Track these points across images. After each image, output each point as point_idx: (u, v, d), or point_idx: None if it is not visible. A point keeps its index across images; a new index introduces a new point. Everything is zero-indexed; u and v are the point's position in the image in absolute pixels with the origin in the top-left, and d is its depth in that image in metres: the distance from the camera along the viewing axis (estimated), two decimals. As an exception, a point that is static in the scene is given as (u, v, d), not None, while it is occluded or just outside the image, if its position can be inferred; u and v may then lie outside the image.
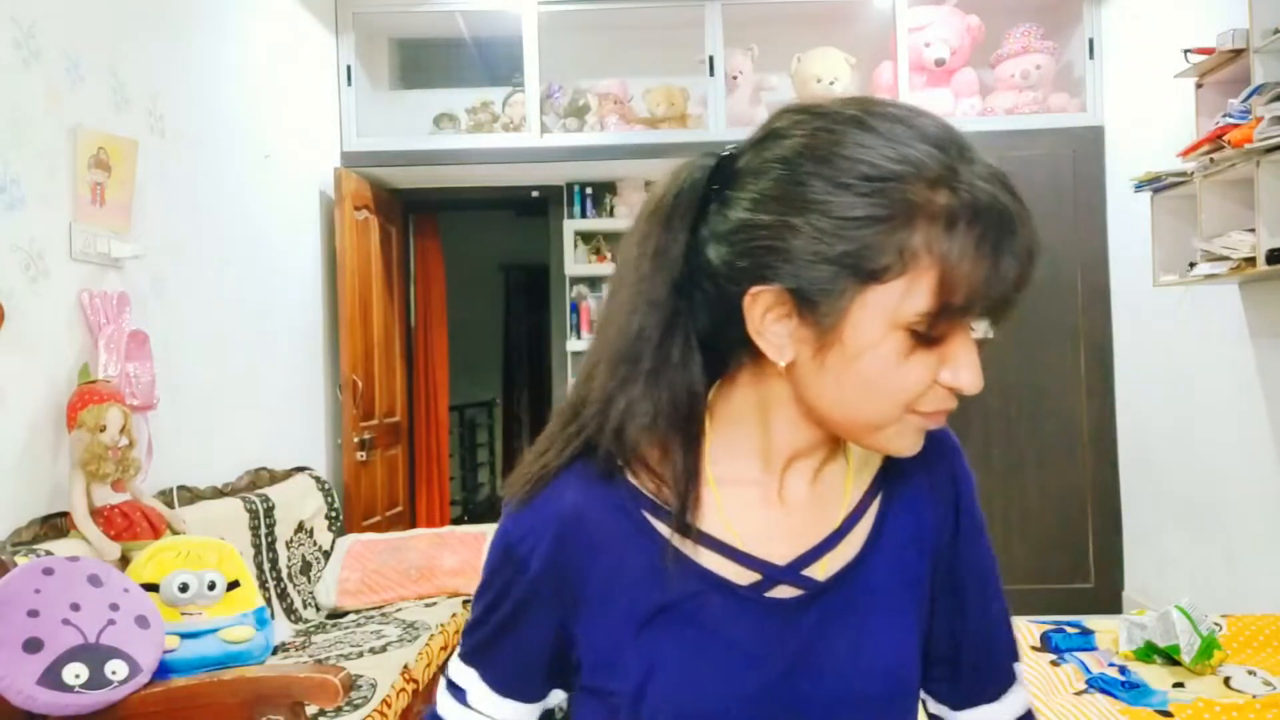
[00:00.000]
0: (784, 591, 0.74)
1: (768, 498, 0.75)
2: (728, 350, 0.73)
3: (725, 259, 0.68)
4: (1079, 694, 2.19)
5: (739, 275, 0.67)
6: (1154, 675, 2.27)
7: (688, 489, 0.73)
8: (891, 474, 0.79)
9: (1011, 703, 0.81)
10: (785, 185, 0.65)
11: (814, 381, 0.69)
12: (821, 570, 0.75)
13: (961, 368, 0.67)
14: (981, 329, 0.71)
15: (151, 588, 2.11)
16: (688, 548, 0.73)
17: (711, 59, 4.36)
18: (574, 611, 0.74)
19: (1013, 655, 0.83)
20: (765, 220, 0.66)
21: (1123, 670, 2.29)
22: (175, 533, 2.40)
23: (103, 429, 2.24)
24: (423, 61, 5.05)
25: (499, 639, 0.77)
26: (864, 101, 0.68)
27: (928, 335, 0.65)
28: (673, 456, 0.73)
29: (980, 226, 0.63)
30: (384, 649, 2.70)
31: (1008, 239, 0.64)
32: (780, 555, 0.74)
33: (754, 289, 0.67)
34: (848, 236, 0.63)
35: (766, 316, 0.67)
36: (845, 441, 0.77)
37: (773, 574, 0.74)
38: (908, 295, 0.64)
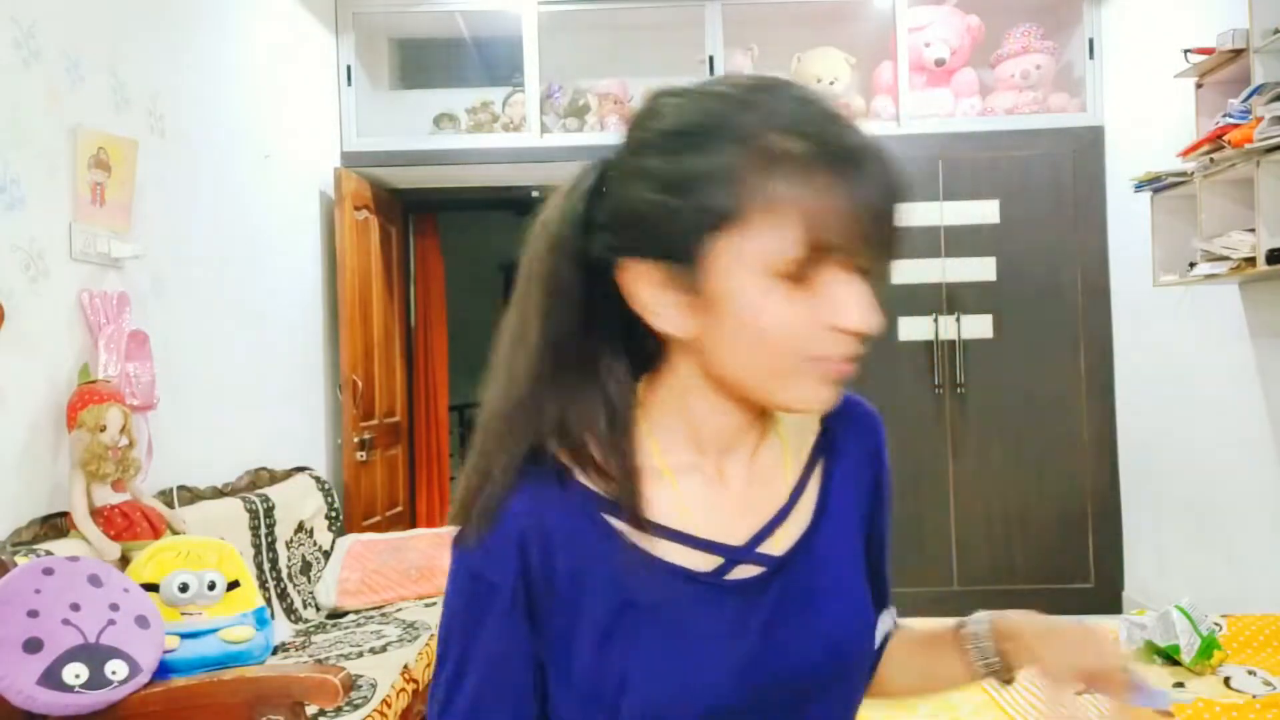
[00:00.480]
0: (744, 571, 0.75)
1: (712, 483, 0.76)
2: (648, 344, 0.75)
3: (607, 246, 0.71)
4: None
5: (618, 258, 0.71)
6: (1154, 675, 2.27)
7: (632, 485, 0.73)
8: (826, 449, 0.83)
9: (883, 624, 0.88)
10: (636, 158, 0.69)
11: (714, 349, 0.70)
12: (777, 545, 0.76)
13: (844, 308, 0.66)
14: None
15: (151, 588, 2.11)
16: (646, 542, 0.73)
17: (711, 59, 4.36)
18: (546, 631, 0.73)
19: (887, 599, 0.89)
20: (625, 196, 0.69)
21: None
22: (175, 533, 2.40)
23: (103, 429, 2.24)
24: (423, 61, 5.05)
25: (491, 683, 0.73)
26: (715, 77, 0.73)
27: (800, 276, 0.66)
28: (614, 455, 0.73)
29: (828, 165, 0.64)
30: (384, 649, 2.70)
31: (857, 174, 0.64)
32: (736, 536, 0.76)
33: (624, 262, 0.70)
34: (693, 190, 0.66)
35: (647, 292, 0.70)
36: (776, 421, 0.80)
37: (732, 555, 0.75)
38: (769, 241, 0.65)
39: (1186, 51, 3.18)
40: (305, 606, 3.12)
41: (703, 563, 0.74)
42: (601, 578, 0.72)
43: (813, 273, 0.66)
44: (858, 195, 0.64)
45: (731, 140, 0.65)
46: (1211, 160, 2.96)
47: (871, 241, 0.66)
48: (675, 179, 0.67)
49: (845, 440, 0.84)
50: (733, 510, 0.76)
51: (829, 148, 0.65)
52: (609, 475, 0.73)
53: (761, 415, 0.78)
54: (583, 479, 0.74)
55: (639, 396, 0.76)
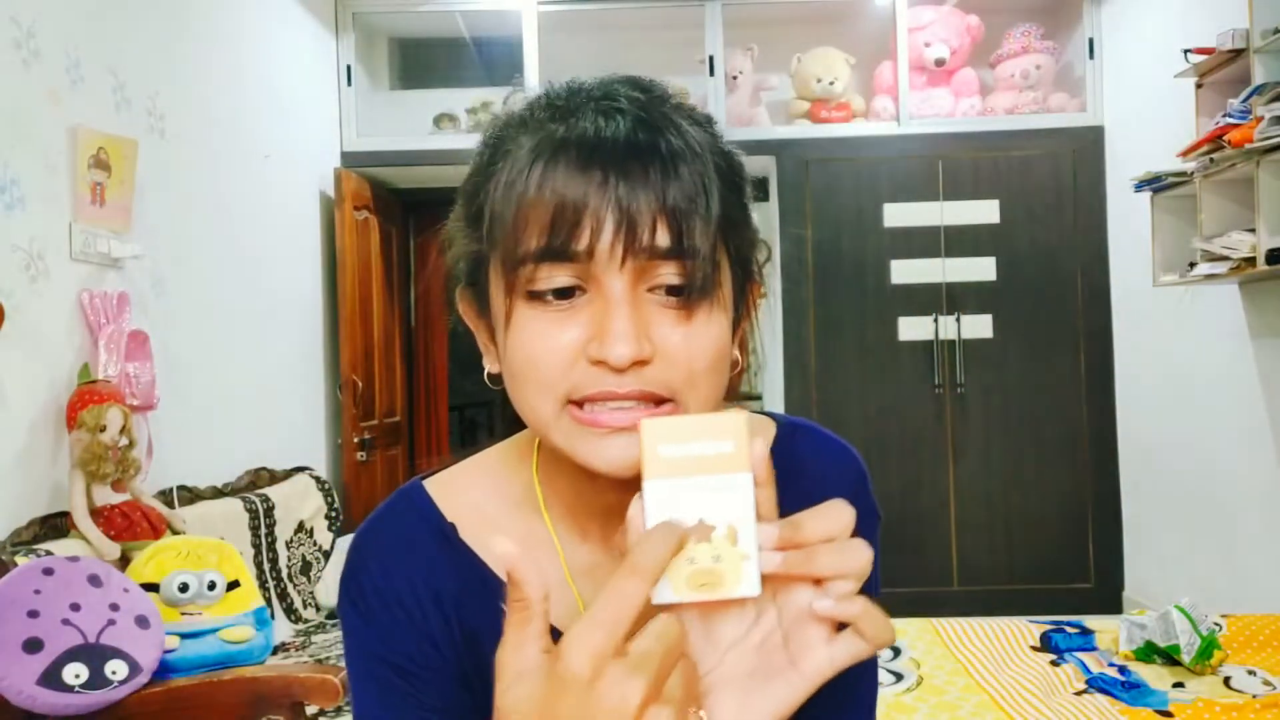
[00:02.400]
0: None
1: (598, 564, 0.66)
2: None
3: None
4: (1079, 694, 2.19)
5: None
6: (1154, 675, 2.27)
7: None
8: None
9: None
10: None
11: (510, 392, 0.61)
12: None
13: (598, 332, 0.56)
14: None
15: (151, 588, 2.11)
16: None
17: (711, 59, 4.36)
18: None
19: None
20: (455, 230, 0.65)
21: (1123, 670, 2.29)
22: (175, 533, 2.40)
23: (103, 429, 2.23)
24: (423, 61, 5.05)
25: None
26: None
27: (542, 295, 0.57)
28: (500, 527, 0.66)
29: (561, 157, 0.56)
30: (384, 649, 2.69)
31: (589, 165, 0.55)
32: None
33: (459, 290, 0.65)
34: (466, 196, 0.62)
35: (468, 322, 0.65)
36: None
37: None
38: (508, 251, 0.57)
39: (1186, 51, 3.18)
40: (305, 606, 3.12)
41: None
42: (484, 662, 0.64)
43: (582, 292, 0.57)
44: (591, 191, 0.55)
45: (486, 145, 0.62)
46: (1211, 160, 2.96)
47: (636, 250, 0.55)
48: (466, 188, 0.63)
49: (789, 499, 0.60)
50: None
51: (590, 147, 0.56)
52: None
53: None
54: (473, 546, 0.67)
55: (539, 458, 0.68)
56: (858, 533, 0.61)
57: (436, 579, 0.66)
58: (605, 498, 0.64)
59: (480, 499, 0.69)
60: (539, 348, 0.57)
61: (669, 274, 0.56)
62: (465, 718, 0.66)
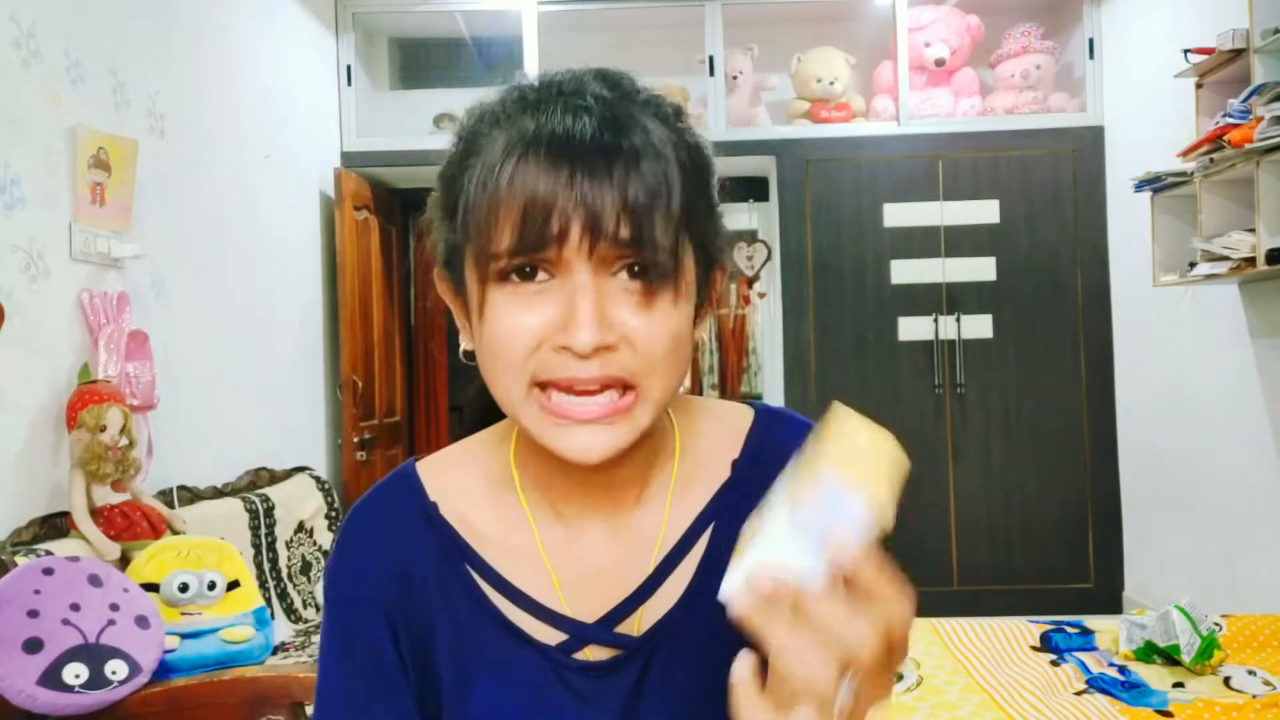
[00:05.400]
0: (596, 653, 0.67)
1: (572, 547, 0.69)
2: None
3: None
4: (1079, 694, 2.19)
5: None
6: (1154, 675, 2.27)
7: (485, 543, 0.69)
8: (724, 506, 0.70)
9: None
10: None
11: (484, 374, 0.64)
12: (636, 625, 0.68)
13: (566, 318, 0.58)
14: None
15: (151, 588, 2.11)
16: (498, 600, 0.68)
17: (711, 59, 4.36)
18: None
19: None
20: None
21: (1123, 670, 2.29)
22: (175, 533, 2.40)
23: (103, 429, 2.23)
24: (423, 61, 5.05)
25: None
26: None
27: (512, 281, 0.60)
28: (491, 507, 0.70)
29: (530, 156, 0.59)
30: (384, 649, 2.69)
31: (557, 163, 0.58)
32: (590, 612, 0.68)
33: (436, 271, 0.68)
34: (444, 184, 0.65)
35: (446, 300, 0.69)
36: (665, 474, 0.71)
37: (579, 633, 0.67)
38: (482, 236, 0.60)
39: (1186, 51, 3.18)
40: (305, 606, 3.12)
41: (549, 635, 0.67)
42: (460, 628, 0.68)
43: (550, 278, 0.59)
44: (559, 186, 0.57)
45: (460, 138, 0.65)
46: (1211, 160, 2.96)
47: (599, 242, 0.58)
48: (439, 180, 0.66)
49: (764, 485, 0.62)
50: (595, 581, 0.68)
51: (538, 144, 0.59)
52: (475, 527, 0.70)
53: (639, 466, 0.68)
54: (450, 520, 0.70)
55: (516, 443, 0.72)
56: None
57: (413, 561, 0.70)
58: (574, 475, 0.67)
59: (463, 478, 0.72)
60: (509, 330, 0.59)
61: (632, 262, 0.59)
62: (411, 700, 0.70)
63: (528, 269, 0.59)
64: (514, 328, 0.59)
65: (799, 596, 0.49)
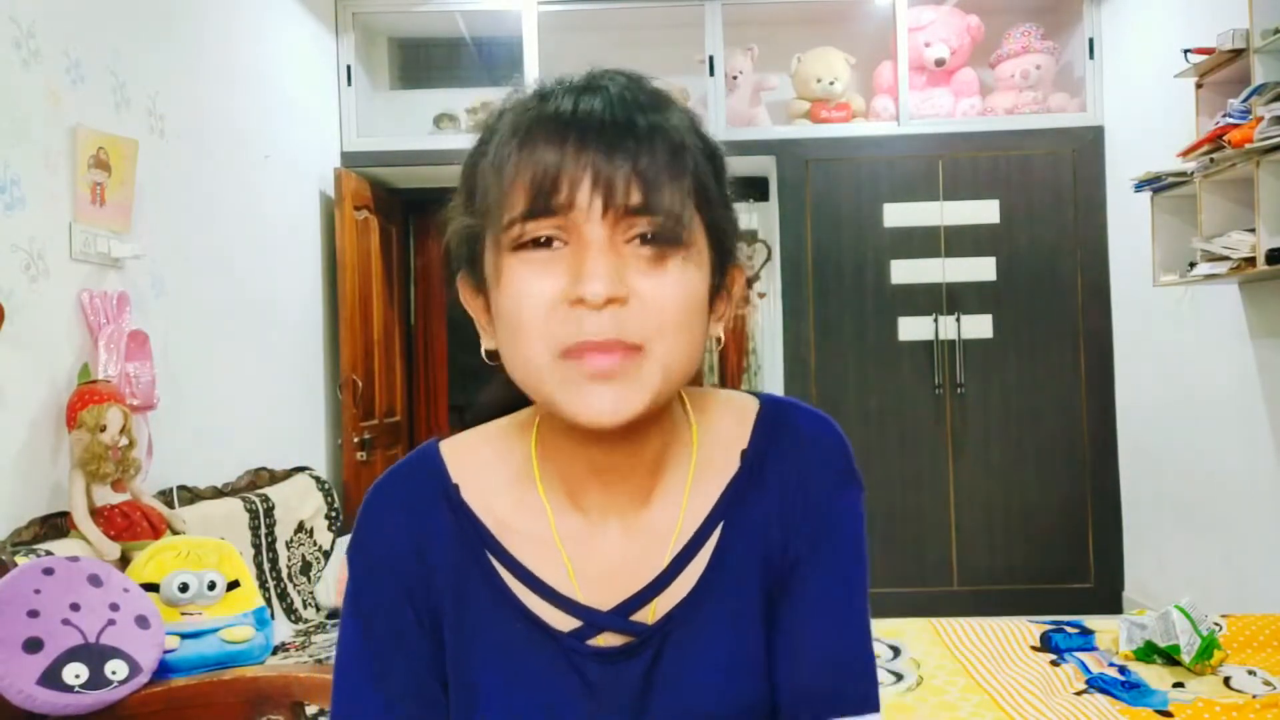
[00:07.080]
0: (610, 639, 0.69)
1: (590, 536, 0.70)
2: None
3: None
4: (1079, 694, 2.19)
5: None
6: (1154, 675, 2.27)
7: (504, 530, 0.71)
8: (737, 494, 0.71)
9: None
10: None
11: (506, 360, 0.66)
12: (651, 614, 0.69)
13: (576, 276, 0.61)
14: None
15: (151, 588, 2.11)
16: (515, 585, 0.69)
17: (711, 59, 4.36)
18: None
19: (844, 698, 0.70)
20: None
21: (1123, 670, 2.29)
22: (175, 533, 2.40)
23: (103, 429, 2.23)
24: (423, 61, 5.05)
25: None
26: None
27: (526, 246, 0.62)
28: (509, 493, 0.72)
29: (539, 130, 0.61)
30: (384, 649, 2.69)
31: (565, 135, 0.60)
32: (606, 600, 0.69)
33: (459, 276, 0.70)
34: (462, 180, 0.68)
35: (468, 304, 0.70)
36: (683, 464, 0.72)
37: (593, 620, 0.69)
38: (499, 211, 0.63)
39: (1186, 51, 3.18)
40: (305, 606, 3.12)
41: (563, 621, 0.69)
42: (480, 610, 0.70)
43: (563, 244, 0.62)
44: (562, 159, 0.60)
45: (478, 136, 0.68)
46: (1211, 160, 2.96)
47: (611, 204, 0.60)
48: (459, 182, 0.68)
49: (771, 475, 0.71)
50: (610, 573, 0.69)
51: (545, 119, 0.62)
52: (495, 510, 0.72)
53: (654, 457, 0.69)
54: (471, 505, 0.72)
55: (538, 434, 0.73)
56: (844, 505, 0.70)
57: (430, 540, 0.71)
58: (592, 455, 0.68)
59: (484, 463, 0.74)
60: (524, 293, 0.61)
61: (643, 226, 0.61)
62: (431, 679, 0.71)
63: (543, 239, 0.61)
64: (529, 290, 0.61)
65: None
